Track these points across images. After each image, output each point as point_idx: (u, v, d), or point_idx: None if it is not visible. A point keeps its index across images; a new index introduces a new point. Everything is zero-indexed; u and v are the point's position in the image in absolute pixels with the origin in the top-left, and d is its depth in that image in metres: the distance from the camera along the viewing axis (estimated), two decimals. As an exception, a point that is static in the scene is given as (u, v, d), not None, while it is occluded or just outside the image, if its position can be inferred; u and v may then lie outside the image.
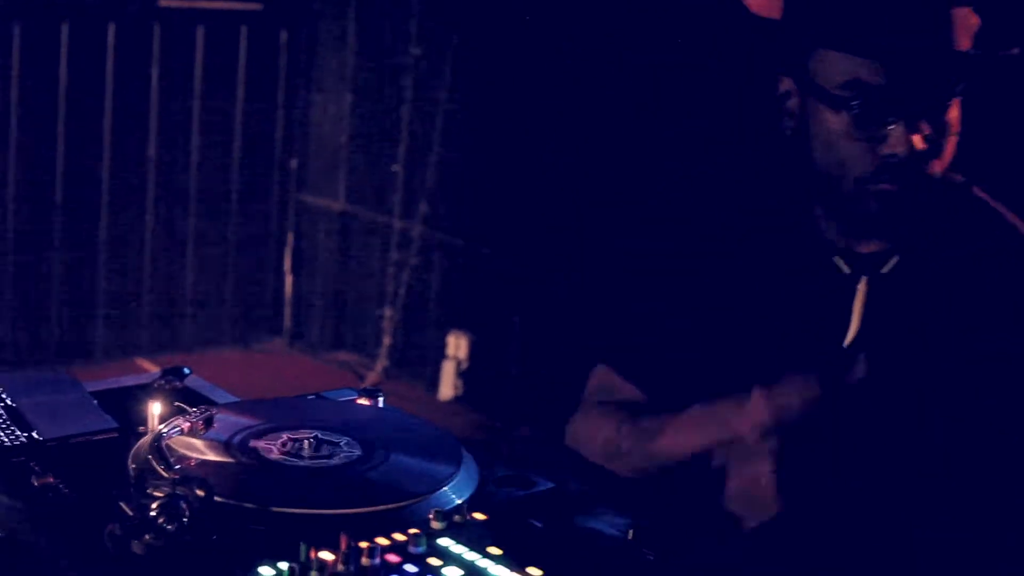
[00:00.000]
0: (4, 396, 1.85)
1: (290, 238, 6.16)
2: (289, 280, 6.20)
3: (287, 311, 6.22)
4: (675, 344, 2.06)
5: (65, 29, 5.26)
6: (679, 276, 2.11)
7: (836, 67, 1.89)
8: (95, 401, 1.83)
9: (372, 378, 5.66)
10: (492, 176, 5.34)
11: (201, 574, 1.30)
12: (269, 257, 6.12)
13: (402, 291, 5.68)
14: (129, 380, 1.99)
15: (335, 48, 5.93)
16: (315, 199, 6.10)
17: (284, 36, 5.92)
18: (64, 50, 5.29)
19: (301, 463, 1.51)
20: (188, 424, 1.54)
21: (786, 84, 2.00)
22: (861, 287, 1.99)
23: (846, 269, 2.01)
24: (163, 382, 1.94)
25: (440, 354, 5.56)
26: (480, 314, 5.46)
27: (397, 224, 5.69)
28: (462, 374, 5.51)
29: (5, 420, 1.74)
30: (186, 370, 2.03)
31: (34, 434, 1.69)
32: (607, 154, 4.76)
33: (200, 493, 1.32)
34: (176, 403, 1.59)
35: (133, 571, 1.30)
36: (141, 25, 5.50)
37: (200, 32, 5.65)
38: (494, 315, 5.39)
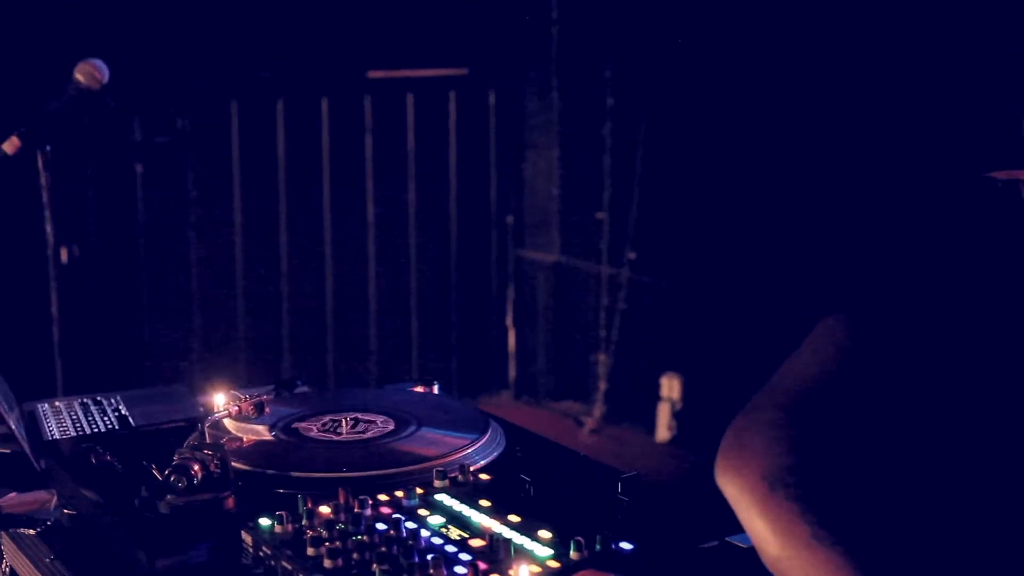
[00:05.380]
0: (120, 407, 2.06)
1: (510, 292, 6.34)
2: (512, 334, 6.38)
3: (511, 364, 6.38)
4: None
5: (280, 105, 5.59)
6: None
7: None
8: (201, 407, 2.01)
9: (590, 424, 5.76)
10: (694, 217, 5.38)
11: (212, 527, 1.44)
12: (491, 311, 6.30)
13: (614, 336, 5.78)
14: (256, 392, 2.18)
15: (541, 105, 6.11)
16: (531, 253, 6.27)
17: (492, 97, 6.13)
18: (281, 124, 5.61)
19: (333, 438, 1.64)
20: (237, 408, 1.69)
21: None
22: None
23: None
24: (274, 390, 2.14)
25: (655, 396, 5.61)
26: (691, 355, 5.50)
27: (605, 271, 5.80)
28: (676, 415, 5.55)
29: (111, 424, 1.94)
30: (298, 382, 2.22)
31: (130, 422, 1.89)
32: (813, 193, 4.72)
33: (212, 456, 1.46)
34: (232, 392, 1.75)
35: (159, 528, 1.45)
36: (352, 97, 5.79)
37: (410, 99, 5.90)
38: (704, 355, 5.41)
